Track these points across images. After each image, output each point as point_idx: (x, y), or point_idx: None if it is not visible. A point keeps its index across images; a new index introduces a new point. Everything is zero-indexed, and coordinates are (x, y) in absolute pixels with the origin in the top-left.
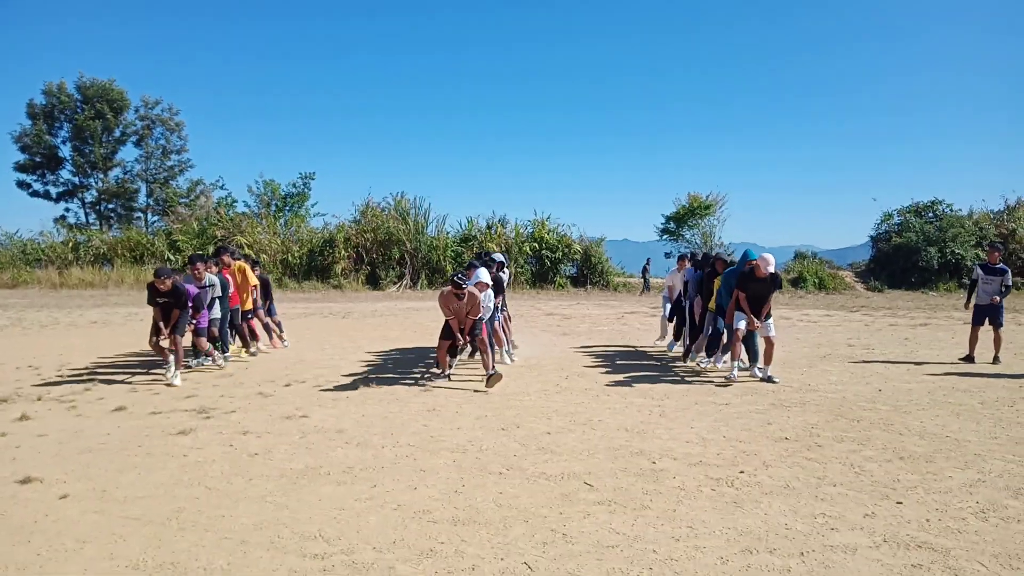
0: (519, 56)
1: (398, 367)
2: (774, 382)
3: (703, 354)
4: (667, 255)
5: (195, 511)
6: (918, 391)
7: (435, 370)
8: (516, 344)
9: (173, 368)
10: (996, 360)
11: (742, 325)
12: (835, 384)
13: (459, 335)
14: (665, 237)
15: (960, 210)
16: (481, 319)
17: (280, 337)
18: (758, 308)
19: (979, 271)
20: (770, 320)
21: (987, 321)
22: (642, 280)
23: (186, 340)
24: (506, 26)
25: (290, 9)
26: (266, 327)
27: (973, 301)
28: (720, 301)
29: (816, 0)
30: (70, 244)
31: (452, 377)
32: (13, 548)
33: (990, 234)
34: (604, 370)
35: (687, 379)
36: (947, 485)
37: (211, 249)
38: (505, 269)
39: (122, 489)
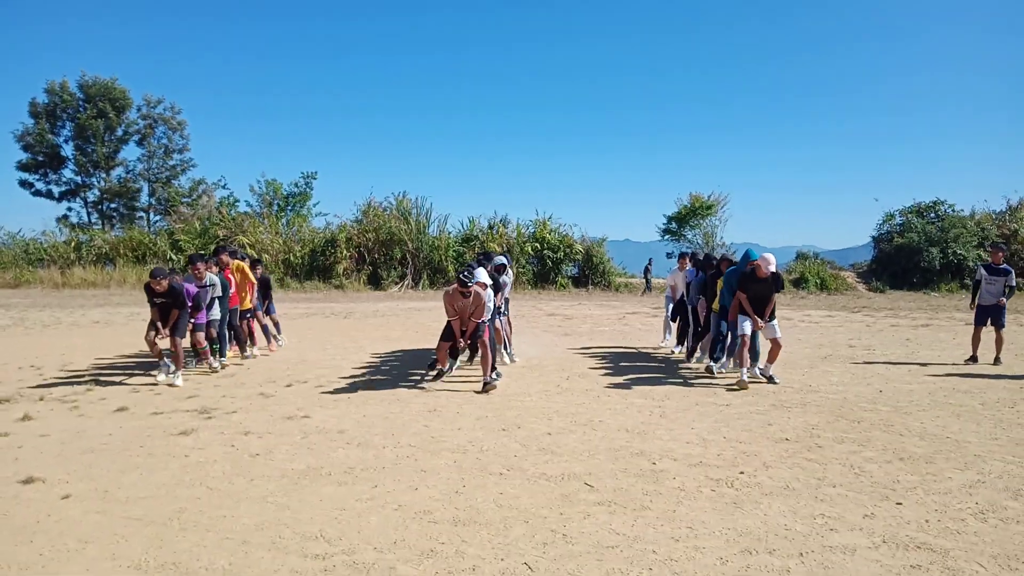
0: (519, 56)
1: (399, 368)
2: (775, 383)
3: (708, 357)
4: (669, 255)
5: (197, 511)
6: (919, 392)
7: (431, 372)
8: (514, 356)
9: (172, 369)
10: (997, 361)
11: (747, 329)
12: (836, 385)
13: (460, 337)
14: (667, 237)
15: (962, 210)
16: (484, 323)
17: (275, 337)
18: (761, 308)
19: (983, 271)
20: (775, 321)
21: (989, 322)
22: (644, 280)
23: (185, 341)
24: (506, 26)
25: (290, 9)
26: (264, 328)
27: (976, 302)
28: (723, 302)
29: (816, 0)
30: (72, 244)
31: (452, 378)
32: (15, 548)
33: (992, 235)
34: (605, 371)
35: (688, 380)
36: (947, 486)
37: (212, 249)
38: (508, 272)
39: (124, 489)
